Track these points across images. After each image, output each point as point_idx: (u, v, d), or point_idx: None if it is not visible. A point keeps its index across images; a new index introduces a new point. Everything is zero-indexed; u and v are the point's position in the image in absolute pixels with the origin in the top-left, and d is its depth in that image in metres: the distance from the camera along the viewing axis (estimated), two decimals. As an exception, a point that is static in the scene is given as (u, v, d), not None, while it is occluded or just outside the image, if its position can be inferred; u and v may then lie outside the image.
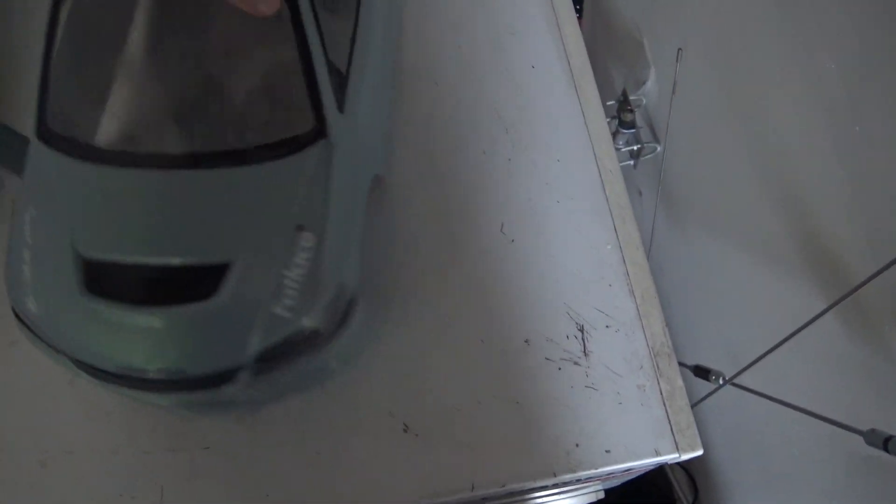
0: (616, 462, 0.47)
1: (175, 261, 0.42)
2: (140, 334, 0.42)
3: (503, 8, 0.60)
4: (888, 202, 0.52)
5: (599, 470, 0.47)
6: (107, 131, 0.45)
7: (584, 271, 0.51)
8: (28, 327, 0.45)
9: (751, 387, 0.70)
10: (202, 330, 0.42)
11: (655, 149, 1.06)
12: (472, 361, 0.50)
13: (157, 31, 0.47)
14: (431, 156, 0.55)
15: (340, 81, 0.46)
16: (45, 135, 0.45)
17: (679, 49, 0.83)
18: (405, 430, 0.49)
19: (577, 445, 0.47)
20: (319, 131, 0.44)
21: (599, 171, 0.54)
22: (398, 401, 0.50)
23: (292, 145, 0.44)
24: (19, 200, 0.47)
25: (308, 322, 0.42)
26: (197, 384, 0.43)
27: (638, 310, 0.50)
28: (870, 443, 0.52)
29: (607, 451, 0.47)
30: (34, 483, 0.50)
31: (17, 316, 0.46)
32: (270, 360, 0.43)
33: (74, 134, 0.45)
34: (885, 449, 0.51)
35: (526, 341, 0.50)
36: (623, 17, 1.08)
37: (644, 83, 1.05)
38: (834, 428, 0.57)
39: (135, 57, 0.47)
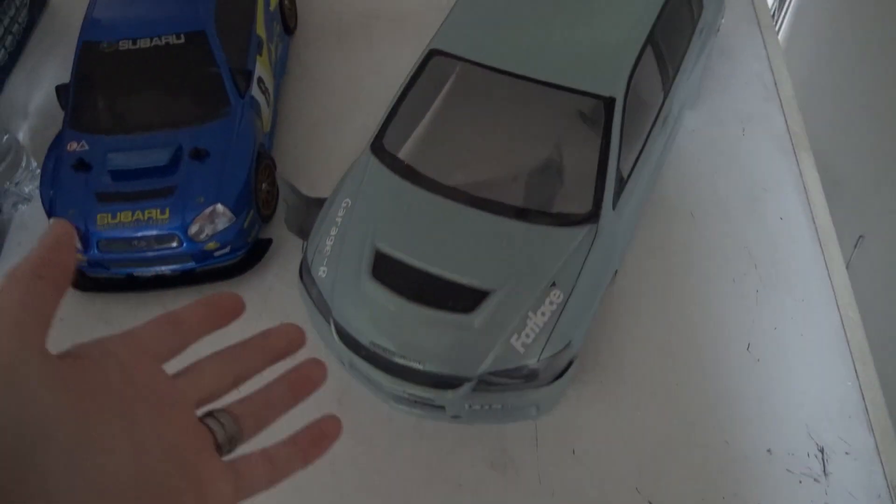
0: (852, 580, 0.50)
1: (450, 275, 0.53)
2: (402, 322, 0.53)
3: (757, 166, 0.70)
4: None
5: (836, 584, 0.50)
6: (429, 164, 0.60)
7: (825, 400, 0.57)
8: (305, 286, 0.58)
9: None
10: (452, 337, 0.52)
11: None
12: (716, 458, 0.55)
13: (496, 110, 0.66)
14: (680, 268, 0.64)
15: (620, 186, 0.57)
16: (379, 151, 0.60)
17: (860, 236, 0.91)
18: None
19: (815, 556, 0.51)
20: (593, 216, 0.55)
21: (840, 316, 0.61)
22: (644, 479, 0.55)
23: (570, 220, 0.55)
24: (340, 188, 0.60)
25: (534, 361, 0.51)
26: (428, 380, 0.52)
27: (877, 444, 0.55)
28: None
29: (845, 568, 0.51)
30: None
31: (301, 275, 0.59)
32: (491, 382, 0.52)
33: (402, 156, 0.61)
34: None
35: (768, 451, 0.55)
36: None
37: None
38: None
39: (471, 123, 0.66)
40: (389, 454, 0.58)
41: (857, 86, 0.95)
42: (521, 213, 0.55)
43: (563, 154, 0.63)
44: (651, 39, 0.60)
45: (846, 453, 0.55)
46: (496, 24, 0.62)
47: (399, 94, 0.62)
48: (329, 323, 0.55)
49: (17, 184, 0.76)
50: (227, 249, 0.65)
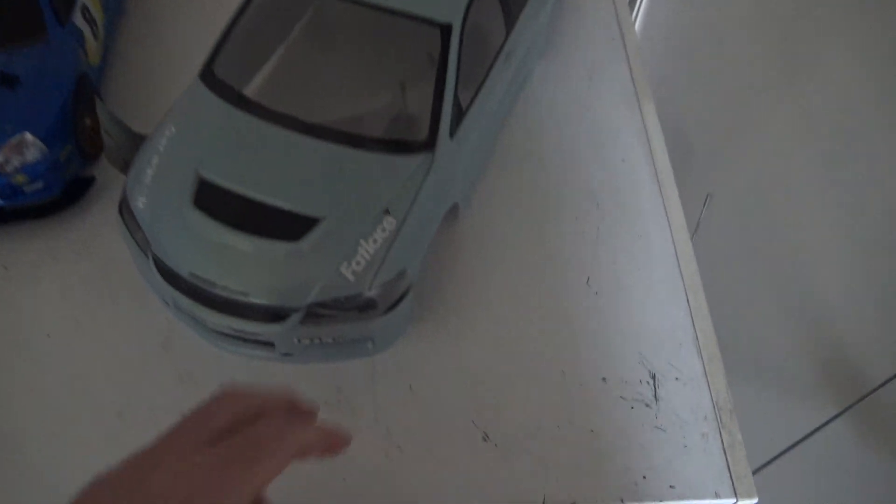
0: (679, 497, 0.51)
1: (276, 202, 0.50)
2: (224, 251, 0.49)
3: (603, 113, 0.71)
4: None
5: (664, 503, 0.51)
6: (258, 88, 0.58)
7: (658, 329, 0.58)
8: (124, 220, 0.53)
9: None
10: (277, 266, 0.49)
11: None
12: (552, 389, 0.55)
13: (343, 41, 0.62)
14: (525, 209, 0.64)
15: (459, 114, 0.56)
16: (208, 78, 0.56)
17: (708, 194, 0.95)
18: (485, 440, 0.53)
19: (644, 478, 0.51)
20: (428, 144, 0.54)
21: (675, 250, 0.62)
22: (481, 412, 0.54)
23: (404, 147, 0.54)
24: (165, 117, 0.56)
25: (366, 290, 0.49)
26: (252, 313, 0.49)
27: (705, 368, 0.56)
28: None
29: (672, 487, 0.51)
30: (111, 435, 0.52)
31: (120, 209, 0.54)
32: (321, 315, 0.50)
33: (232, 83, 0.56)
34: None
35: (603, 379, 0.55)
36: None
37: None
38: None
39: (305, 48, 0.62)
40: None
41: (708, 47, 0.99)
42: (355, 140, 0.53)
43: (408, 92, 0.62)
44: None
45: (676, 379, 0.56)
46: None
47: (233, 17, 0.59)
48: (147, 256, 0.51)
49: None
50: (39, 185, 0.59)
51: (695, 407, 0.54)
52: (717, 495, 0.51)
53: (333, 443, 0.35)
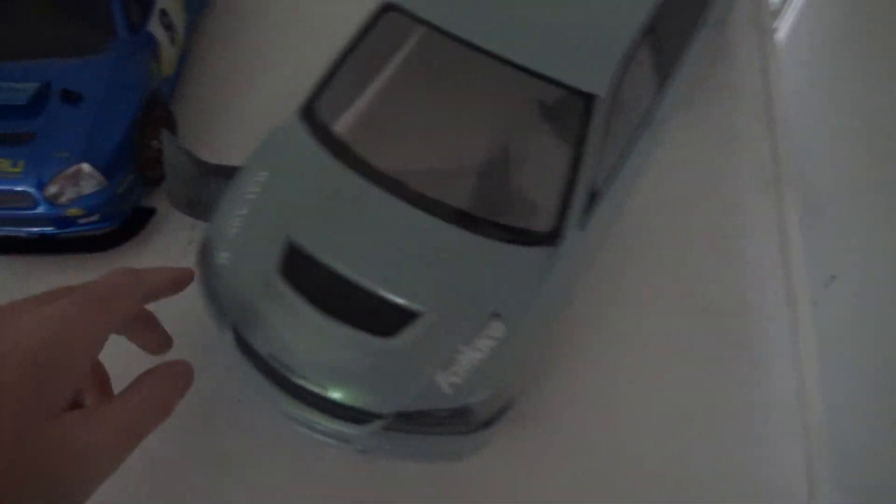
0: None
1: (373, 286, 0.43)
2: (308, 336, 0.43)
3: (733, 196, 0.60)
4: None
5: None
6: (364, 139, 0.48)
7: (759, 474, 0.49)
8: (205, 277, 0.47)
9: None
10: (365, 363, 0.42)
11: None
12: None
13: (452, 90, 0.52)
14: (630, 307, 0.55)
15: (590, 202, 0.47)
16: (309, 117, 0.49)
17: (832, 276, 0.84)
18: None
19: None
20: (553, 237, 0.45)
21: (798, 393, 0.52)
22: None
23: (526, 238, 0.45)
24: (256, 158, 0.49)
25: (462, 404, 0.42)
26: (328, 409, 0.43)
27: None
28: None
29: None
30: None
31: (200, 258, 0.47)
32: (408, 422, 0.43)
33: (335, 129, 0.48)
34: None
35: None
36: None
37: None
38: None
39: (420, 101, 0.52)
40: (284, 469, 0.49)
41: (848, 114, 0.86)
42: (469, 221, 0.45)
43: (521, 152, 0.52)
44: (650, 28, 0.49)
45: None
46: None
47: (341, 53, 0.50)
48: (224, 324, 0.45)
49: None
50: (95, 217, 0.54)
51: None
52: None
53: (180, 279, 0.38)
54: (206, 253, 0.47)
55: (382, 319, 0.42)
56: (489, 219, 0.45)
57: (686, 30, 0.55)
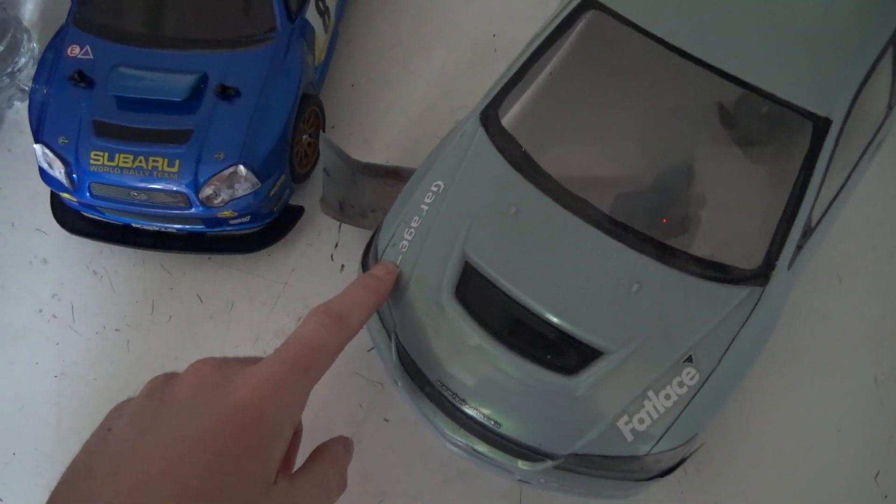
0: None
1: (553, 317, 0.40)
2: (482, 366, 0.40)
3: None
4: None
5: None
6: (552, 154, 0.44)
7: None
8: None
9: None
10: (542, 401, 0.39)
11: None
12: None
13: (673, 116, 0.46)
14: (805, 352, 0.50)
15: (805, 238, 0.42)
16: (491, 124, 0.44)
17: None
18: None
19: None
20: (761, 276, 0.40)
21: None
22: None
23: (729, 276, 0.40)
24: (432, 163, 0.45)
25: (644, 453, 0.39)
26: (498, 443, 0.41)
27: None
28: None
29: None
30: None
31: (363, 264, 0.46)
32: (581, 463, 0.40)
33: (521, 140, 0.44)
34: None
35: None
36: None
37: None
38: None
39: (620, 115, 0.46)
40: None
41: None
42: (666, 253, 0.40)
43: (731, 178, 0.45)
44: (893, 41, 0.42)
45: None
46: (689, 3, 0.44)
47: (530, 52, 0.45)
48: (390, 339, 0.43)
49: (17, 71, 0.63)
50: (246, 218, 0.52)
51: None
52: None
53: (372, 304, 0.38)
54: (373, 258, 0.44)
55: (564, 356, 0.39)
56: (689, 252, 0.41)
57: None
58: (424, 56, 0.63)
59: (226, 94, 0.50)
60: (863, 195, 0.49)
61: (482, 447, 0.41)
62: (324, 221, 0.56)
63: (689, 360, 0.39)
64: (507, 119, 0.45)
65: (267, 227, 0.54)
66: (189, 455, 0.27)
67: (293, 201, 0.56)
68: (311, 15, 0.55)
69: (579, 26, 0.45)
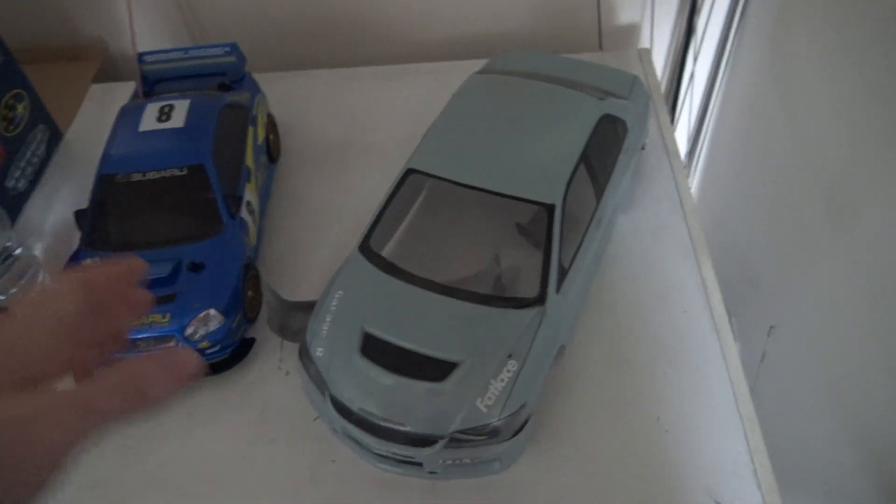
0: None
1: (424, 350, 0.65)
2: (385, 391, 0.64)
3: (667, 268, 0.83)
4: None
5: None
6: (401, 257, 0.74)
7: (721, 463, 0.68)
8: (305, 365, 0.69)
9: None
10: (427, 401, 0.63)
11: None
12: (631, 517, 0.65)
13: (458, 216, 0.81)
14: (606, 353, 0.76)
15: (563, 273, 0.71)
16: (366, 251, 0.74)
17: (771, 326, 1.04)
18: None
19: None
20: (540, 300, 0.68)
21: (734, 394, 0.72)
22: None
23: (522, 303, 0.68)
24: (333, 283, 0.73)
25: (496, 420, 0.62)
26: (408, 439, 0.63)
27: (764, 500, 0.65)
28: None
29: None
30: None
31: (300, 356, 0.70)
32: (460, 439, 0.63)
33: (384, 254, 0.75)
34: None
35: (674, 508, 0.65)
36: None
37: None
38: None
39: (439, 227, 0.81)
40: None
41: (770, 197, 1.11)
42: (484, 299, 0.68)
43: (512, 249, 0.79)
44: (584, 156, 0.76)
45: (738, 508, 0.65)
46: (459, 146, 0.78)
47: (382, 204, 0.77)
48: (325, 395, 0.66)
49: (33, 295, 0.88)
50: (217, 347, 0.77)
51: (755, 535, 0.64)
52: None
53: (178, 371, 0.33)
54: (305, 352, 0.69)
55: (435, 371, 0.64)
56: (496, 295, 0.70)
57: (611, 153, 0.81)
58: (324, 233, 0.92)
59: (195, 268, 0.77)
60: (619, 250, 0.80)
61: (397, 447, 0.63)
62: (271, 345, 0.81)
63: (511, 356, 0.65)
64: (376, 246, 0.75)
65: (231, 354, 0.79)
66: None
67: (251, 335, 0.81)
68: (245, 214, 0.85)
69: (406, 183, 0.77)
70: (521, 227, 0.80)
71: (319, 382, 0.67)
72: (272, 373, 0.80)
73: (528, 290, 0.69)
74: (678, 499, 0.66)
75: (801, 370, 0.97)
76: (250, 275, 0.82)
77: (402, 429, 0.62)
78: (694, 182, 1.43)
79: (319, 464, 0.72)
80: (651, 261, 0.85)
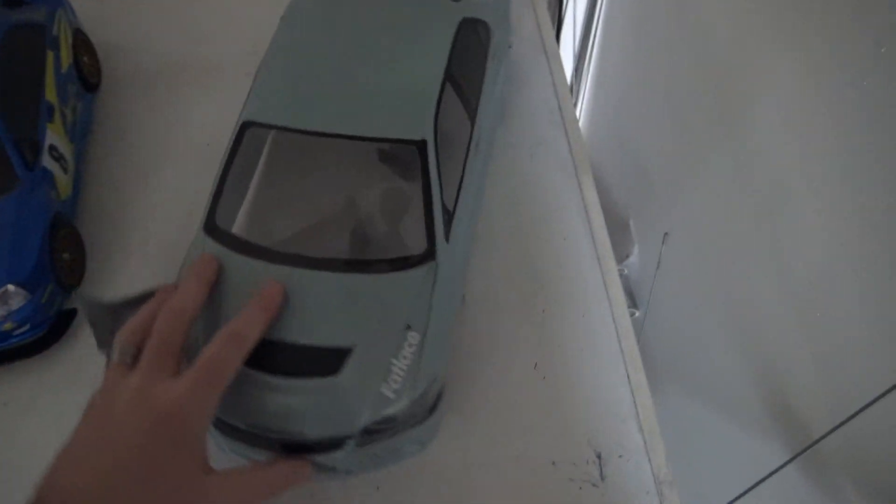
0: (625, 571, 0.56)
1: (306, 341, 0.54)
2: (273, 398, 0.53)
3: (545, 189, 0.75)
4: (846, 366, 0.65)
5: (612, 577, 0.56)
6: (262, 233, 0.60)
7: (602, 407, 0.62)
8: None
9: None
10: (323, 401, 0.52)
11: (634, 314, 1.21)
12: (506, 475, 0.60)
13: (314, 169, 0.65)
14: (479, 294, 0.68)
15: (448, 219, 0.60)
16: (212, 230, 0.59)
17: (665, 233, 0.99)
18: (448, 533, 0.58)
19: (593, 555, 0.57)
20: (430, 254, 0.58)
21: (616, 327, 0.66)
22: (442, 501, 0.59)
23: (408, 262, 0.57)
24: (180, 275, 0.58)
25: (408, 404, 0.53)
26: (311, 448, 0.53)
27: (645, 443, 0.61)
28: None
29: (618, 562, 0.56)
30: None
31: None
32: (372, 432, 0.53)
33: (234, 231, 0.60)
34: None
35: (553, 463, 0.60)
36: (612, 200, 1.26)
37: (628, 257, 1.22)
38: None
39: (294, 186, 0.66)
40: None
41: (662, 97, 1.03)
42: (360, 265, 0.56)
43: (385, 201, 0.66)
44: (448, 75, 0.63)
45: (619, 456, 0.60)
46: (302, 86, 0.63)
47: (221, 171, 0.62)
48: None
49: None
50: (26, 327, 0.65)
51: (638, 482, 0.59)
52: (660, 566, 0.56)
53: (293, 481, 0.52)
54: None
55: (326, 363, 0.52)
56: (376, 258, 0.58)
57: (478, 64, 0.70)
58: (156, 174, 0.79)
59: (-15, 234, 0.64)
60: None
61: (316, 458, 0.52)
62: (98, 315, 0.70)
63: (409, 327, 0.54)
64: (224, 221, 0.60)
65: (48, 332, 0.67)
66: (130, 456, 0.41)
67: (70, 306, 0.69)
68: (48, 162, 0.71)
69: (245, 140, 0.62)
70: (385, 153, 0.68)
71: None
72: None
73: (414, 245, 0.58)
74: (558, 454, 0.61)
75: (692, 277, 0.93)
76: (62, 234, 0.69)
77: (301, 438, 0.52)
78: (587, 83, 1.33)
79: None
80: (528, 182, 0.76)
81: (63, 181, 0.73)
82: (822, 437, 0.64)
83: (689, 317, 0.95)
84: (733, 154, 0.82)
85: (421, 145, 0.59)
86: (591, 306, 0.68)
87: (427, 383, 0.54)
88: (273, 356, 0.53)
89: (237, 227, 0.61)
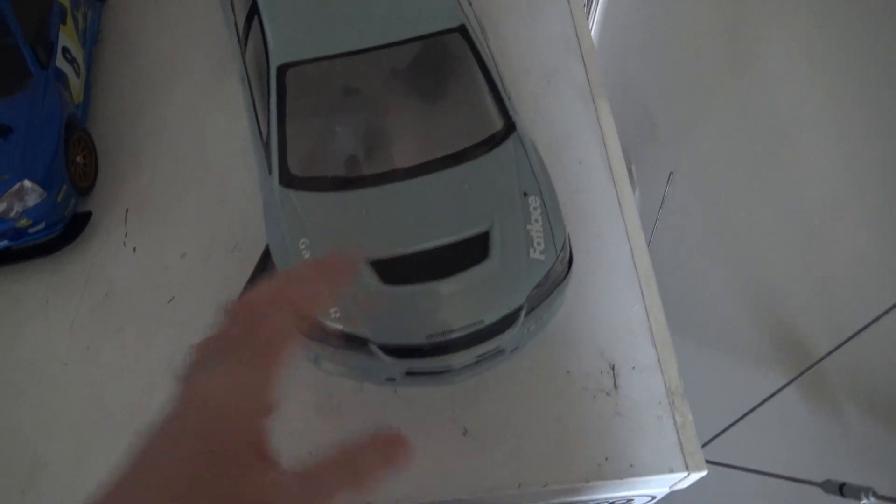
0: (637, 475, 0.58)
1: (447, 240, 0.55)
2: (443, 300, 0.54)
3: (560, 115, 0.75)
4: (844, 297, 0.67)
5: (624, 480, 0.57)
6: (347, 165, 0.59)
7: (617, 322, 0.64)
8: (325, 341, 0.54)
9: (721, 459, 0.81)
10: (488, 285, 0.54)
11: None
12: (522, 384, 0.61)
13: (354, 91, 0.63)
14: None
15: (506, 92, 0.62)
16: (293, 182, 0.58)
17: (671, 172, 1.00)
18: (464, 434, 0.59)
19: (606, 459, 0.58)
20: (510, 127, 0.61)
21: (631, 247, 0.67)
22: (459, 409, 0.60)
23: (494, 141, 0.60)
24: (282, 237, 0.56)
25: (555, 260, 0.56)
26: (491, 332, 0.54)
27: (658, 357, 0.62)
28: (827, 490, 0.64)
29: (631, 466, 0.58)
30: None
31: (308, 335, 0.54)
32: (534, 298, 0.56)
33: (321, 174, 0.58)
34: (841, 493, 0.63)
35: (567, 372, 0.61)
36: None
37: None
38: (796, 485, 0.69)
39: (342, 112, 0.63)
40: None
41: (671, 41, 1.03)
42: (454, 158, 0.58)
43: (448, 97, 0.64)
44: None
45: (633, 368, 0.62)
46: (318, 15, 0.62)
47: (276, 121, 0.59)
48: (370, 350, 0.53)
49: None
50: (42, 225, 0.64)
51: (650, 393, 0.61)
52: (671, 470, 0.58)
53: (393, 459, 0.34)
54: (318, 326, 0.53)
55: (474, 252, 0.55)
56: (465, 148, 0.59)
57: None
58: (167, 87, 0.78)
59: (1, 132, 0.63)
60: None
61: (484, 346, 0.53)
62: (113, 220, 0.69)
63: (525, 195, 0.57)
64: (299, 171, 0.58)
65: (62, 232, 0.66)
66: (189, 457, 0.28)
67: (85, 209, 0.69)
68: (61, 63, 0.69)
69: (287, 84, 0.60)
70: (439, 57, 0.64)
71: (353, 342, 0.53)
72: (116, 251, 0.68)
73: (491, 124, 0.60)
74: (572, 365, 0.62)
75: (696, 217, 0.94)
76: (76, 137, 0.68)
77: (483, 326, 0.53)
78: (593, 24, 1.33)
79: (178, 352, 0.63)
80: (542, 108, 0.76)
81: (76, 85, 0.71)
82: (824, 357, 0.66)
83: (692, 252, 0.96)
84: (741, 93, 0.83)
85: (462, 30, 0.61)
86: (605, 228, 0.69)
87: (564, 237, 0.57)
88: (425, 266, 0.54)
89: (318, 170, 0.59)
